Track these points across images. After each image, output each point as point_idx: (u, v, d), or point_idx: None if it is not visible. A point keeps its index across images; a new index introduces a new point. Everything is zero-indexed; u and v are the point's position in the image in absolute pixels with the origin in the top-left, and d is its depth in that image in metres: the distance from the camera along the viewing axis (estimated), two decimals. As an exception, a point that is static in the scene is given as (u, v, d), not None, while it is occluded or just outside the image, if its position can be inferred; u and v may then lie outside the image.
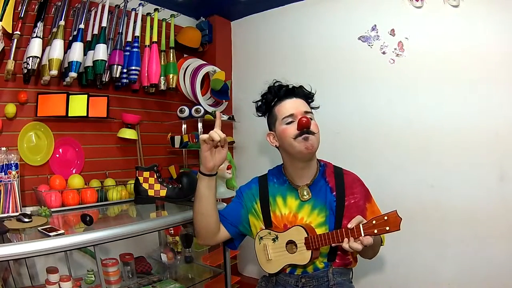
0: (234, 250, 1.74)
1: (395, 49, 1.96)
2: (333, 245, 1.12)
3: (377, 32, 2.02)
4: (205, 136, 1.14)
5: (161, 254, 1.91)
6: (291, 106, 1.25)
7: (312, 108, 1.33)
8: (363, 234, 1.04)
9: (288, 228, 1.21)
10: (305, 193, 1.25)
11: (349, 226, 1.07)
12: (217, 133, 1.13)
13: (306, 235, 1.16)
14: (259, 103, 1.36)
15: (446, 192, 1.81)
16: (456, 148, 1.78)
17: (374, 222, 1.03)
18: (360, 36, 2.07)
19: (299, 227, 1.19)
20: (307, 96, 1.32)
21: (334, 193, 1.24)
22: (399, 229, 1.01)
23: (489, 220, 1.70)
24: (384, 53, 2.00)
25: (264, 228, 1.27)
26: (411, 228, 1.82)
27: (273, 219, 1.27)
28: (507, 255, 1.65)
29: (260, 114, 1.38)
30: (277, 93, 1.30)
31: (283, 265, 1.22)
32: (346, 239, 1.07)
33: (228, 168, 1.97)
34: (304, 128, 1.19)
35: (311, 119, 1.24)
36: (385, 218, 1.02)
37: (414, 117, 1.90)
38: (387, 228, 1.01)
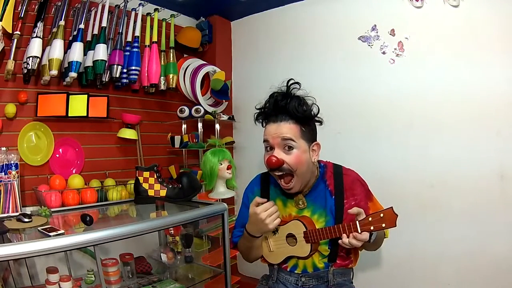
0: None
1: (395, 49, 1.96)
2: (330, 238, 1.13)
3: (377, 32, 2.02)
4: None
5: (161, 254, 1.91)
6: (270, 131, 1.15)
7: (317, 121, 1.20)
8: (359, 231, 1.05)
9: (287, 222, 1.22)
10: (300, 202, 1.24)
11: (349, 211, 1.09)
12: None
13: (305, 229, 1.17)
14: (258, 111, 1.23)
15: (446, 191, 1.81)
16: (457, 147, 1.78)
17: (370, 219, 1.04)
18: (360, 36, 2.07)
19: (297, 221, 1.20)
20: (301, 118, 1.14)
21: (334, 196, 1.22)
22: (395, 226, 1.01)
23: (489, 219, 1.70)
24: (384, 53, 2.00)
25: None
26: (411, 228, 1.83)
27: None
28: (506, 254, 1.65)
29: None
30: (265, 110, 1.19)
31: (285, 257, 1.24)
32: (344, 235, 1.07)
33: (228, 168, 1.97)
34: (272, 168, 1.13)
35: (291, 148, 1.12)
36: (381, 215, 1.02)
37: (414, 117, 1.90)
38: (383, 225, 1.02)
